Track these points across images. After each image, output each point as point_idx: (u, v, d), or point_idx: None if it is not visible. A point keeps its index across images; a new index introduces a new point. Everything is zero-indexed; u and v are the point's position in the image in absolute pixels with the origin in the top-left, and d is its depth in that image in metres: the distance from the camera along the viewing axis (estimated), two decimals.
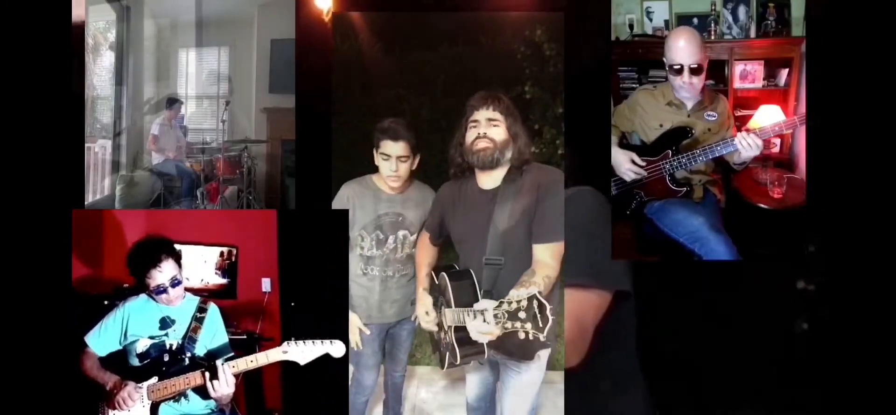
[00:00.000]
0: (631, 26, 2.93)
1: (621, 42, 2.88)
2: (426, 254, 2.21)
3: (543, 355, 2.01)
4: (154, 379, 1.99)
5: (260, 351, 2.03)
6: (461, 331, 1.82)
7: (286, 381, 2.43)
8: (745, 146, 2.25)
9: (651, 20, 2.92)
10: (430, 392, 3.22)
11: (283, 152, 3.79)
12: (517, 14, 3.79)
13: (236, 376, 1.97)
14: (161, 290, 2.03)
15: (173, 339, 2.04)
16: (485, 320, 1.61)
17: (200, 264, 2.66)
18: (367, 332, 2.30)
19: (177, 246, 2.12)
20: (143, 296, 2.08)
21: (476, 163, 1.98)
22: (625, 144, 2.50)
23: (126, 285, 2.30)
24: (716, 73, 2.82)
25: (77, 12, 2.40)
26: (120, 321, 2.05)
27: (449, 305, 1.92)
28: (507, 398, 2.06)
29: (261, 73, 4.08)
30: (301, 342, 1.98)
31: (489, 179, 2.00)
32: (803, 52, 2.61)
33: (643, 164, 2.41)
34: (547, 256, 1.82)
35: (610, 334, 1.46)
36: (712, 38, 2.81)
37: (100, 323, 2.06)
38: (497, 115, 1.98)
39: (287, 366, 1.99)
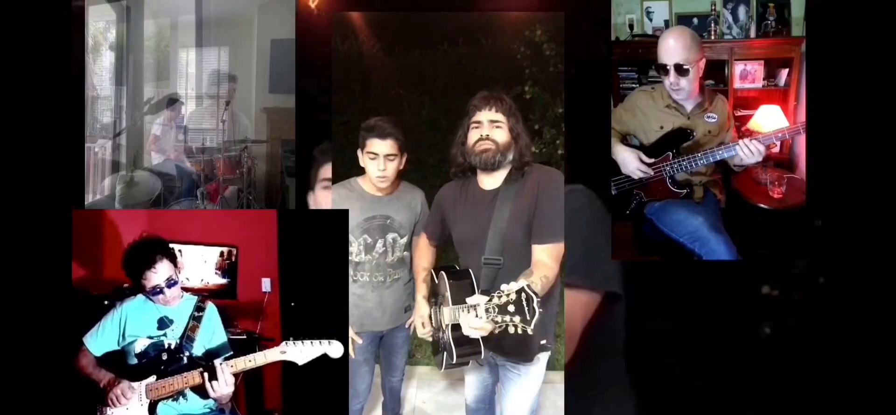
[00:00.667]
0: (631, 26, 2.93)
1: (621, 42, 2.87)
2: (423, 256, 2.17)
3: (543, 357, 2.00)
4: (152, 378, 1.99)
5: (259, 351, 2.03)
6: (458, 330, 1.81)
7: (286, 381, 2.44)
8: (747, 153, 2.25)
9: (651, 20, 2.92)
10: (429, 393, 3.21)
11: (283, 152, 3.79)
12: (517, 14, 3.80)
13: (235, 375, 1.97)
14: (157, 290, 2.03)
15: (171, 339, 2.04)
16: (477, 315, 1.61)
17: (200, 264, 2.66)
18: (359, 341, 2.22)
19: (173, 246, 2.11)
20: (140, 296, 2.07)
21: (478, 164, 1.97)
22: (627, 144, 2.49)
23: (126, 286, 2.28)
24: (716, 73, 2.82)
25: (78, 13, 2.40)
26: (118, 322, 2.05)
27: (447, 304, 1.92)
28: (507, 401, 2.05)
29: (261, 73, 4.08)
30: (299, 342, 1.97)
31: (491, 180, 1.99)
32: (803, 52, 2.61)
33: (650, 163, 2.40)
34: (546, 257, 1.82)
35: (601, 335, 1.45)
36: (712, 38, 2.81)
37: (98, 324, 2.06)
38: (499, 116, 1.97)
39: (287, 366, 1.98)
